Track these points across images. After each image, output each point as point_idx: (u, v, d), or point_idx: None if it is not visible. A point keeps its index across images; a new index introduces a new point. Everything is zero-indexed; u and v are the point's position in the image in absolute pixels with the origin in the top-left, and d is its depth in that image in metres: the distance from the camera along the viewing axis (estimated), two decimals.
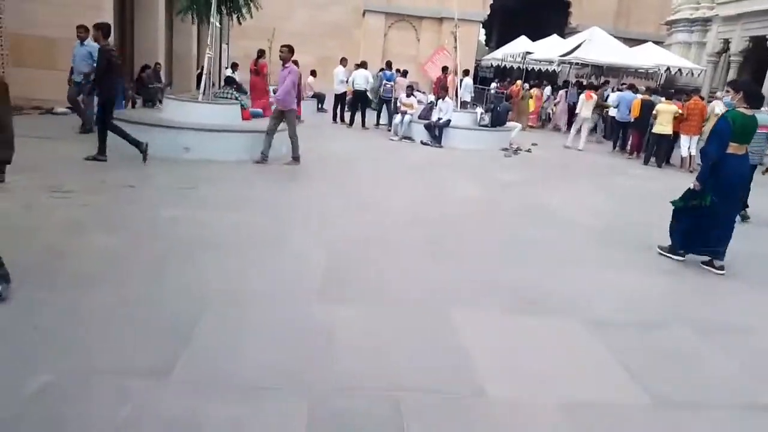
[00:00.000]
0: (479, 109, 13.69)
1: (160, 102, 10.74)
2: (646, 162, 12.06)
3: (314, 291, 3.78)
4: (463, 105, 14.11)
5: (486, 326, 3.51)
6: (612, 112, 14.17)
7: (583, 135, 13.66)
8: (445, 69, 14.60)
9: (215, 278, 3.80)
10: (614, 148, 13.98)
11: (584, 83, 21.09)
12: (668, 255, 5.26)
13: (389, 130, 13.07)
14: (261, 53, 13.81)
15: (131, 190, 5.98)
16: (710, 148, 5.01)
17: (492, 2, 26.17)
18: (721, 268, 4.96)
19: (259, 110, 10.16)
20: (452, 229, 5.70)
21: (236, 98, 9.40)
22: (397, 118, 12.37)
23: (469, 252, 4.98)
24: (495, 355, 3.14)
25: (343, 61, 14.39)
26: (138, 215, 5.13)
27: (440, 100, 12.21)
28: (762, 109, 7.56)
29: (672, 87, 19.02)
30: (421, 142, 12.02)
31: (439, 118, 11.95)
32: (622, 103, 13.43)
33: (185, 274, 3.82)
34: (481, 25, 27.85)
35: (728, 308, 4.30)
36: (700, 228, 5.04)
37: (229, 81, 11.17)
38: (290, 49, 8.00)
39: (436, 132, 11.89)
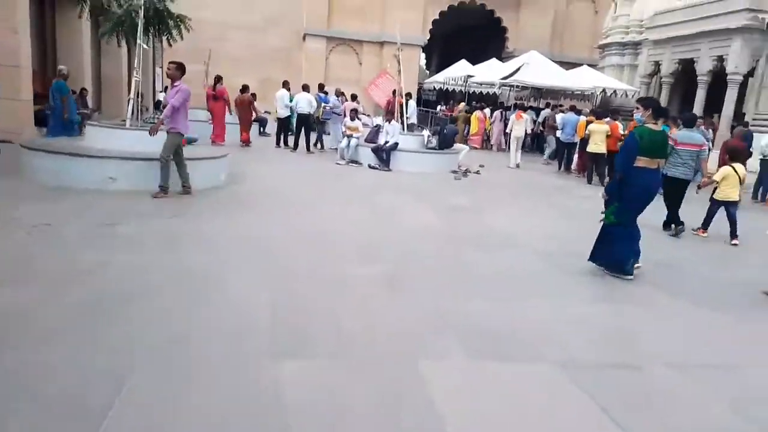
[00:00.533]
0: (426, 132, 13.50)
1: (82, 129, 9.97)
2: (589, 181, 12.22)
3: (261, 344, 3.28)
4: (410, 128, 13.94)
5: (454, 378, 3.11)
6: (557, 133, 14.38)
7: (517, 153, 14.49)
8: (393, 92, 14.47)
9: (144, 337, 3.24)
10: (560, 168, 14.13)
11: (525, 105, 21.63)
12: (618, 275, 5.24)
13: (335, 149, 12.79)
14: (218, 79, 13.55)
15: (47, 229, 5.29)
16: (617, 161, 5.45)
17: (431, 27, 26.53)
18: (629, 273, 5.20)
19: (194, 136, 9.54)
20: (407, 261, 5.30)
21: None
22: (344, 141, 12.01)
23: (428, 288, 4.60)
24: (467, 413, 2.75)
25: (286, 85, 13.95)
26: (52, 261, 4.46)
27: (387, 123, 11.95)
28: (693, 129, 7.97)
29: (608, 108, 19.66)
30: (369, 166, 11.69)
31: (386, 142, 11.68)
32: (567, 124, 13.61)
33: (108, 335, 3.24)
34: (421, 50, 28.11)
35: (708, 342, 4.08)
36: (604, 240, 5.30)
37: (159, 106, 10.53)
38: (178, 66, 7.17)
39: (384, 155, 11.61)
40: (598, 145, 11.83)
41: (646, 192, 5.19)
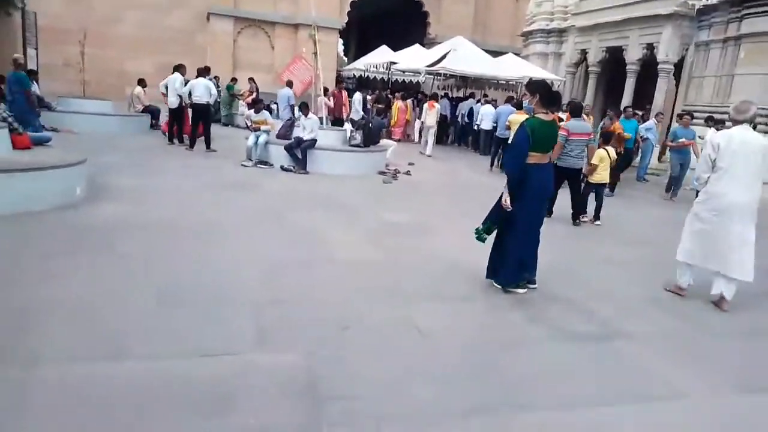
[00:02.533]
0: (348, 126, 11.76)
1: None
2: None
3: None
4: (353, 124, 12.09)
5: None
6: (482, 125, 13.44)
7: (430, 142, 14.35)
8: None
9: None
10: (492, 166, 12.87)
11: (450, 95, 20.39)
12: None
13: None
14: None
15: None
16: (508, 162, 4.87)
17: (349, 10, 24.66)
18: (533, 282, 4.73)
19: (47, 135, 7.27)
20: (339, 345, 3.47)
21: (3, 118, 6.48)
22: (250, 139, 10.00)
23: (377, 388, 2.90)
24: None
25: (181, 68, 11.69)
26: None
27: (302, 117, 10.07)
28: (582, 116, 8.05)
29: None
30: (282, 168, 9.77)
31: (300, 139, 9.80)
32: (501, 117, 12.33)
33: None
34: (339, 35, 26.16)
35: None
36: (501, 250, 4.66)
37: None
38: None
39: (300, 154, 9.73)
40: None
41: (542, 190, 4.60)
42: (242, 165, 9.77)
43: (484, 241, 4.69)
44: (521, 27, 26.18)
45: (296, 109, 10.95)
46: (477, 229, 4.72)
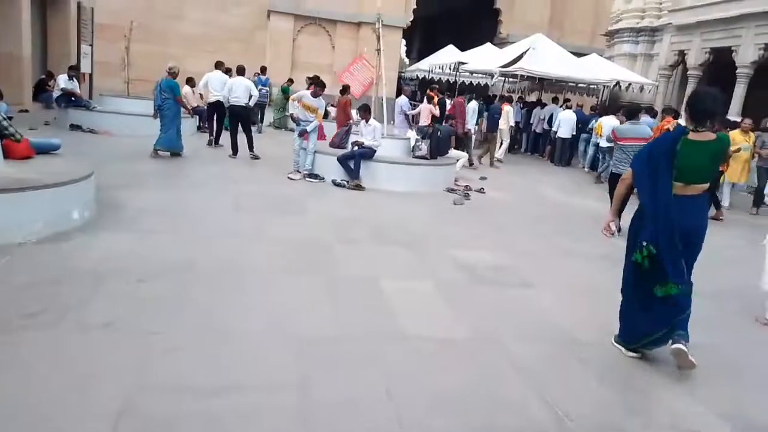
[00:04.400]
0: (412, 134, 10.20)
1: None
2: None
3: None
4: (419, 132, 10.64)
5: None
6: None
7: (504, 145, 13.60)
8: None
9: None
10: (598, 179, 11.28)
11: (524, 99, 18.52)
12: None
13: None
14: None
15: None
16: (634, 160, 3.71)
17: (414, 8, 23.11)
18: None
19: (55, 141, 6.09)
20: None
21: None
22: (296, 141, 8.55)
23: None
24: None
25: (220, 65, 10.58)
26: None
27: (363, 123, 8.56)
28: (637, 121, 7.51)
29: (622, 104, 16.64)
30: (334, 183, 8.32)
31: (359, 145, 8.29)
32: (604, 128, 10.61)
33: None
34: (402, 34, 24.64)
35: None
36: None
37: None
38: None
39: (353, 164, 8.23)
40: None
41: (671, 232, 3.27)
42: (289, 178, 8.39)
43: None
44: (602, 26, 23.92)
45: (354, 113, 9.48)
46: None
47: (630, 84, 16.91)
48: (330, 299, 3.96)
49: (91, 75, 17.89)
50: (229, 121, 10.20)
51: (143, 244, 4.66)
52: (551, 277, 5.06)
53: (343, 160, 8.27)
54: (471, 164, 11.64)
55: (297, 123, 8.46)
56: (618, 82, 16.80)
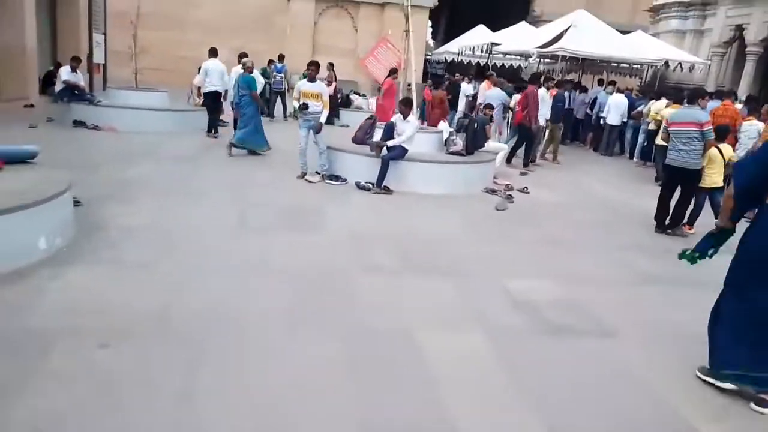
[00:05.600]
0: (444, 126, 9.08)
1: None
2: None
3: None
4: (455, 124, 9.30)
5: None
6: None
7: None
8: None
9: None
10: (657, 178, 10.00)
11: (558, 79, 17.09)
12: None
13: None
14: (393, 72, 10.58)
15: None
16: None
17: None
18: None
19: (30, 148, 5.18)
20: None
21: None
22: (301, 135, 7.49)
23: None
24: None
25: (211, 52, 10.28)
26: None
27: (400, 118, 7.44)
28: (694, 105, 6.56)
29: (668, 86, 15.19)
30: (357, 186, 7.29)
31: (384, 144, 7.22)
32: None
33: None
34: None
35: None
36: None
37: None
38: None
39: (381, 166, 7.16)
40: None
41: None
42: (306, 180, 7.39)
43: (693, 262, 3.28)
44: (643, 1, 22.24)
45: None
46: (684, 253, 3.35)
47: (680, 63, 15.44)
48: (350, 375, 2.91)
49: (104, 65, 17.12)
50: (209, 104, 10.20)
51: (118, 284, 3.71)
52: (635, 317, 3.96)
53: (387, 161, 7.16)
54: (531, 162, 10.21)
55: (303, 116, 7.43)
56: (666, 62, 15.33)
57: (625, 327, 3.78)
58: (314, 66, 7.54)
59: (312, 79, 7.46)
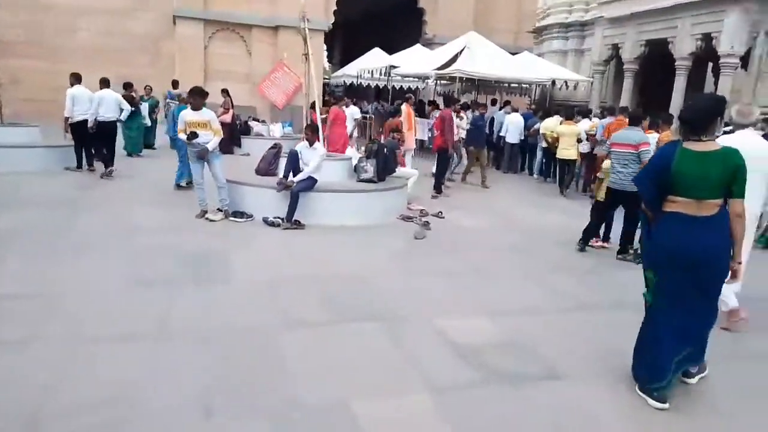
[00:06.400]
0: (353, 152, 8.73)
1: None
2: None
3: None
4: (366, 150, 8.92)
5: None
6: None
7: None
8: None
9: None
10: (563, 191, 10.38)
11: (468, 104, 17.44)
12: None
13: None
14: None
15: None
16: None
17: (335, 9, 21.63)
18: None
19: None
20: None
21: None
22: (195, 173, 6.84)
23: None
24: None
25: (75, 77, 9.47)
26: None
27: (305, 145, 6.94)
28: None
29: (557, 104, 15.98)
30: (265, 222, 6.71)
31: (292, 183, 6.72)
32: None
33: None
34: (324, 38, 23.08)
35: None
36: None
37: None
38: None
39: (290, 200, 6.65)
40: (568, 150, 10.10)
41: (680, 257, 3.00)
42: (207, 219, 6.70)
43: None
44: (526, 24, 23.48)
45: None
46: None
47: (565, 82, 16.32)
48: None
49: None
50: (91, 137, 9.23)
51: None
52: (578, 350, 3.76)
53: (297, 193, 6.60)
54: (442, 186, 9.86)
55: (191, 148, 6.70)
56: (553, 81, 16.14)
57: (570, 362, 3.55)
58: (198, 95, 6.73)
59: (197, 108, 6.76)
